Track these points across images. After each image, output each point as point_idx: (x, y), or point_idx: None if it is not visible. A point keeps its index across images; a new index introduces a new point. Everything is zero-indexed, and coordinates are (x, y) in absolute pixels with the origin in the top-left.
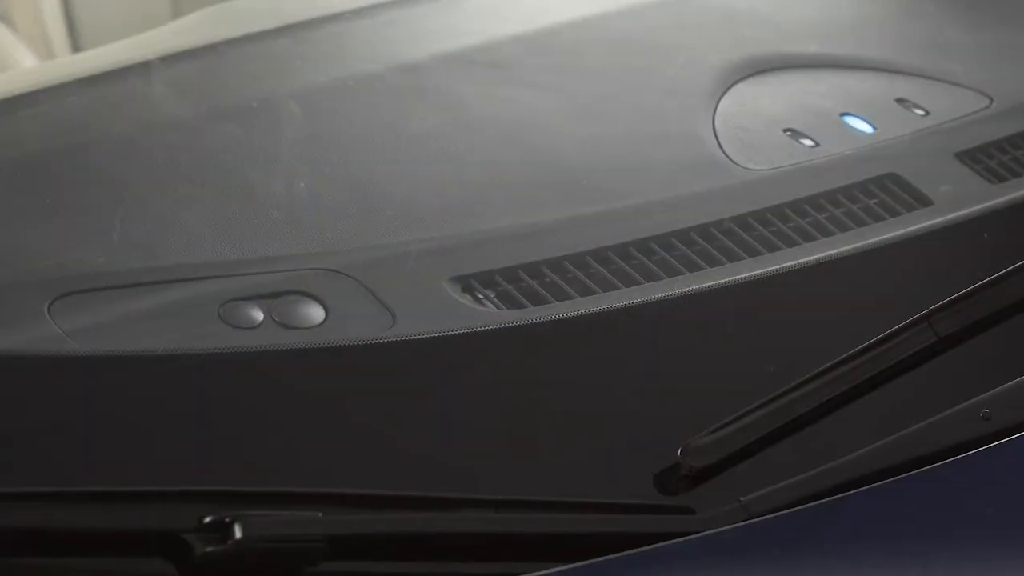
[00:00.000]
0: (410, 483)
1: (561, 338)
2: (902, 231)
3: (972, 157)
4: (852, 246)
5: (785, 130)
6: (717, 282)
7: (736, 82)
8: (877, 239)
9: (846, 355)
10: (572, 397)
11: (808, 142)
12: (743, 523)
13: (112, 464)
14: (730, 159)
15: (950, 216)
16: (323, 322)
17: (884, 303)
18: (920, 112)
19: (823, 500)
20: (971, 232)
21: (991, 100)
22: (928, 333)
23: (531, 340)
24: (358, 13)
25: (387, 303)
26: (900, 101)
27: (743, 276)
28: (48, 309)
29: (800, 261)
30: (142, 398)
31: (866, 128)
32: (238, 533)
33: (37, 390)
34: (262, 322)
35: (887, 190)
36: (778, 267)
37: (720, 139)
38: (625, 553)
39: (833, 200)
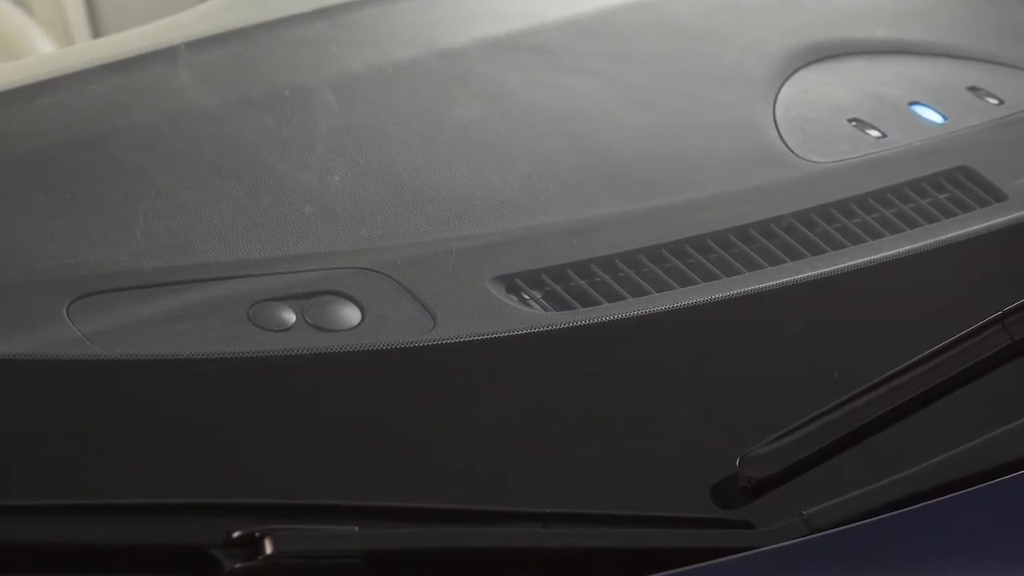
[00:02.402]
0: (451, 495)
1: (612, 341)
2: (974, 227)
3: None
4: (921, 243)
5: (850, 120)
6: (778, 281)
7: (798, 69)
8: (948, 236)
9: (915, 359)
10: (624, 404)
11: (875, 133)
12: (805, 538)
13: (135, 475)
14: (792, 151)
15: None
16: (359, 324)
17: (955, 304)
18: (993, 101)
19: (890, 514)
20: None
21: None
22: (1002, 335)
23: (580, 343)
24: None
25: (427, 304)
26: (972, 89)
27: (806, 275)
28: (67, 310)
29: (866, 259)
30: (166, 405)
31: (936, 118)
32: (269, 548)
33: (54, 396)
34: (294, 324)
35: (958, 184)
36: (843, 265)
37: (781, 130)
38: (681, 569)
39: (901, 195)
